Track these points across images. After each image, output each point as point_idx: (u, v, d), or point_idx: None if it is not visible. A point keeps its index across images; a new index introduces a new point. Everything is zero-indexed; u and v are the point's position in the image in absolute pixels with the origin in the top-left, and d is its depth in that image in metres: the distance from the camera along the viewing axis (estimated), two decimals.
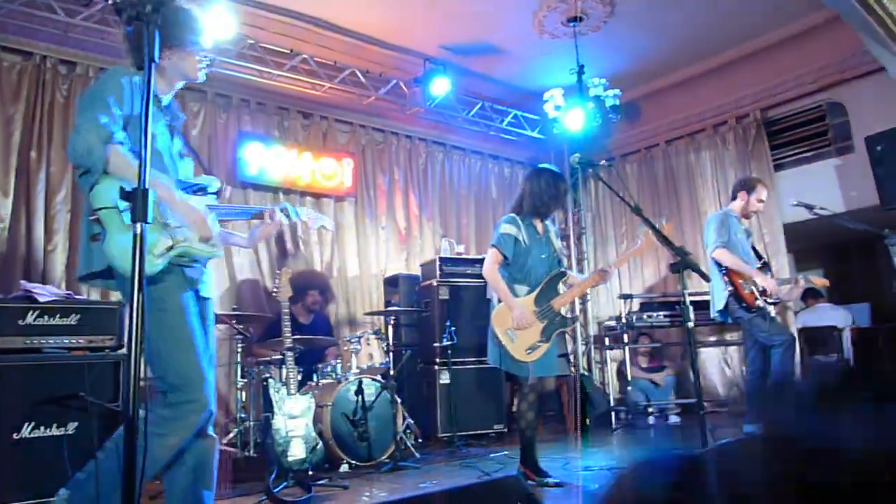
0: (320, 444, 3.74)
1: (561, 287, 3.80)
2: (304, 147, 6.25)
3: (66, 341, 3.62)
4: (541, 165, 4.03)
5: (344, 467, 4.24)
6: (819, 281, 4.86)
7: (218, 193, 2.41)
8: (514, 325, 3.64)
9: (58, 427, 3.41)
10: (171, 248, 2.06)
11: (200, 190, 2.31)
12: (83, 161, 1.95)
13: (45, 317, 3.47)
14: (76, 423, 3.46)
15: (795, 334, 6.04)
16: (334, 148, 6.51)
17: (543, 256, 3.82)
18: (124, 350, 3.80)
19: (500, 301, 3.73)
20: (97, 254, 2.01)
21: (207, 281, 2.37)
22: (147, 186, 1.46)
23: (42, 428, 3.22)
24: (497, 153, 7.83)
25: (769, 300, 4.49)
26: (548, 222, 3.95)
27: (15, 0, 4.36)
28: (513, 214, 3.86)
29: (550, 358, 3.71)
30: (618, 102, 6.12)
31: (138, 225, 1.35)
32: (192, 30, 2.29)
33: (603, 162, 3.82)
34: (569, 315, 3.86)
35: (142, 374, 1.40)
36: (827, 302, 6.68)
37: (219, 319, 4.37)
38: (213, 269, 5.54)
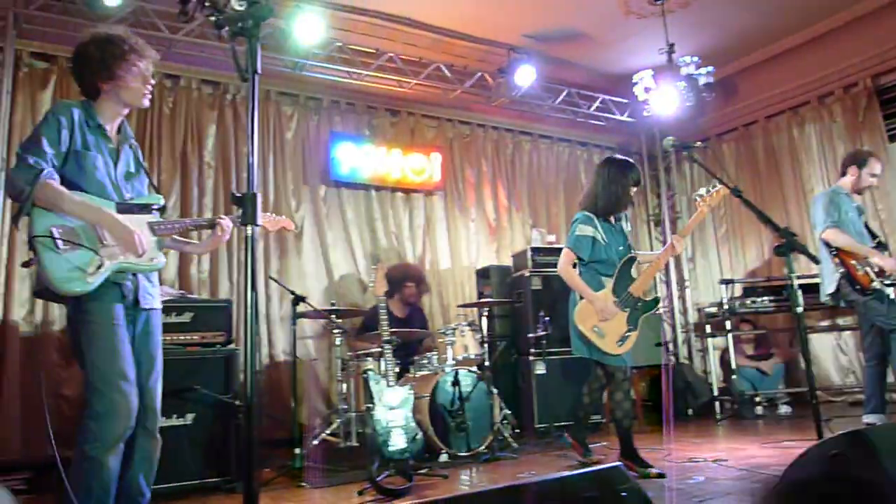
0: (420, 434, 3.81)
1: (634, 271, 3.79)
2: (393, 144, 6.37)
3: (182, 337, 3.88)
4: (609, 157, 3.95)
5: (443, 457, 4.32)
6: None
7: (163, 209, 2.53)
8: (599, 318, 3.64)
9: (178, 418, 3.67)
10: (100, 266, 2.20)
11: (144, 208, 2.44)
12: (16, 199, 2.20)
13: (163, 315, 3.72)
14: (193, 414, 3.72)
15: None
16: (422, 143, 6.59)
17: (621, 248, 3.81)
18: (234, 345, 4.04)
19: (580, 298, 3.70)
20: (37, 276, 2.21)
21: (153, 293, 2.49)
22: (255, 191, 1.54)
23: (163, 418, 3.46)
24: (585, 140, 7.69)
25: (887, 281, 4.18)
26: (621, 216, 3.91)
27: (124, 21, 4.68)
28: (588, 213, 3.80)
29: (637, 345, 3.73)
30: (711, 80, 5.87)
31: (249, 228, 1.44)
32: (125, 60, 2.39)
33: (697, 143, 3.69)
34: (650, 298, 3.81)
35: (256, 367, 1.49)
36: None
37: (320, 314, 4.56)
38: (308, 267, 5.72)
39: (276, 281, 4.95)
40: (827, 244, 4.29)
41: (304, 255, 5.82)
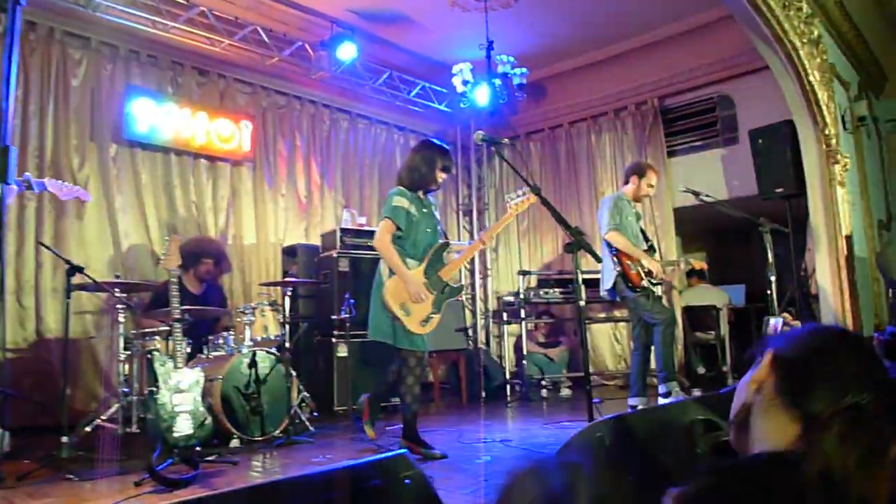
0: (209, 419, 3.64)
1: (446, 257, 3.93)
2: (200, 106, 5.96)
3: None
4: (425, 139, 4.08)
5: (234, 443, 4.16)
6: (697, 263, 5.19)
7: None
8: (411, 299, 3.71)
9: None
10: None
11: None
12: None
13: None
14: None
15: (679, 313, 6.47)
16: (233, 109, 6.25)
17: (429, 230, 3.91)
18: None
19: (390, 274, 3.76)
20: None
21: None
22: (9, 143, 1.34)
23: None
24: (403, 124, 7.78)
25: (653, 281, 4.76)
26: (430, 196, 4.03)
27: None
28: (401, 187, 3.89)
29: (439, 330, 3.88)
30: (524, 81, 6.23)
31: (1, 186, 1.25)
32: None
33: (506, 140, 3.88)
34: (456, 284, 3.98)
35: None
36: (708, 283, 7.15)
37: (100, 287, 4.14)
38: (91, 233, 5.22)
39: (47, 248, 4.41)
40: (609, 244, 4.76)
41: (88, 220, 5.25)
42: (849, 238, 5.36)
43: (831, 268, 5.29)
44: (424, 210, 3.91)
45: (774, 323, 1.90)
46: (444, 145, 4.01)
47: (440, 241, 3.92)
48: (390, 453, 1.54)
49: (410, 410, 3.79)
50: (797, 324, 1.75)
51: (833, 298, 5.25)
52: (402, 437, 3.81)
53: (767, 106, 5.94)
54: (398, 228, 3.77)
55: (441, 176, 3.92)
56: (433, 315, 3.79)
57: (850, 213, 5.51)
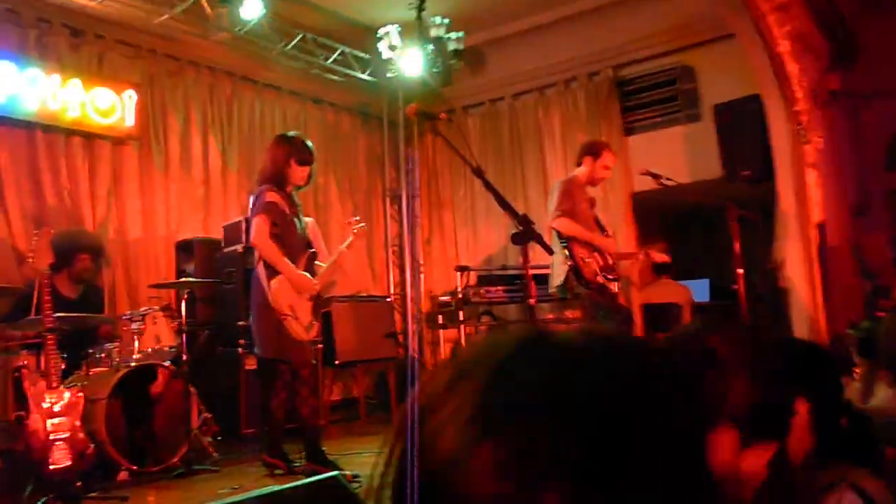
0: (91, 447, 3.61)
1: (316, 267, 4.27)
2: (72, 73, 5.79)
3: None
4: (279, 134, 4.45)
5: (123, 475, 4.13)
6: (659, 256, 5.39)
7: None
8: (296, 297, 4.00)
9: None
10: None
11: None
12: None
13: None
14: None
15: (638, 310, 6.70)
16: (113, 76, 6.10)
17: (299, 231, 4.22)
18: None
19: (270, 276, 3.97)
20: None
21: None
22: None
23: None
24: (320, 96, 7.76)
25: (609, 276, 4.92)
26: (295, 197, 4.32)
27: None
28: (270, 184, 4.15)
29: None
30: (461, 47, 6.31)
31: None
32: None
33: (443, 115, 3.96)
34: (326, 296, 4.54)
35: None
36: (670, 277, 7.43)
37: None
38: None
39: None
40: (559, 234, 4.90)
41: None
42: (821, 226, 5.67)
43: (802, 259, 5.59)
44: (294, 209, 4.22)
45: None
46: (299, 137, 4.32)
47: (311, 249, 4.27)
48: (320, 476, 1.58)
49: (309, 426, 3.91)
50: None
51: (804, 292, 5.54)
52: (306, 459, 3.88)
53: (733, 78, 6.20)
54: (274, 224, 4.02)
55: (300, 171, 4.19)
56: (314, 322, 4.15)
57: (823, 199, 5.82)
